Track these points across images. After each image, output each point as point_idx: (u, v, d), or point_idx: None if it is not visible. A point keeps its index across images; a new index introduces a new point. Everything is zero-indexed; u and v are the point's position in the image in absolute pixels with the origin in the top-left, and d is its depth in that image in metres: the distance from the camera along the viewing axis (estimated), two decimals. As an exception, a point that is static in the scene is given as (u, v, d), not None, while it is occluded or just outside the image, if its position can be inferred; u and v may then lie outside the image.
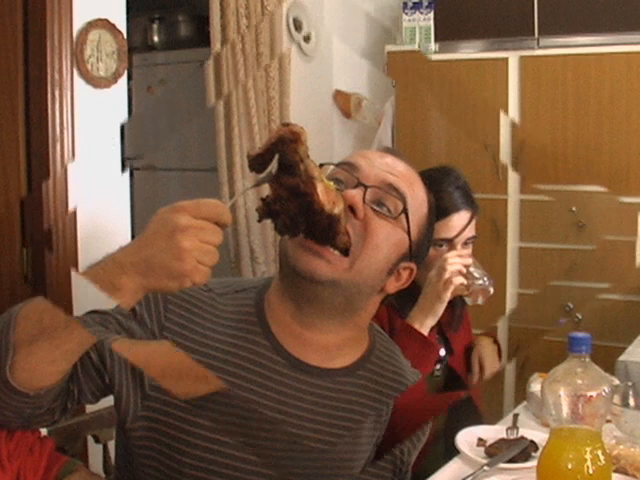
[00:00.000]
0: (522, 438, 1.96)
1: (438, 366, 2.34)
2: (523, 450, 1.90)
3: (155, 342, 1.37)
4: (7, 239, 2.92)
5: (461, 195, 2.18)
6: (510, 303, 4.14)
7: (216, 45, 3.61)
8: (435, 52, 4.26)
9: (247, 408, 1.50)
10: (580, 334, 1.33)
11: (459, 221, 2.17)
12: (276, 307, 1.56)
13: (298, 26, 4.39)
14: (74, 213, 2.98)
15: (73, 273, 2.93)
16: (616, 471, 1.74)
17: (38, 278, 2.94)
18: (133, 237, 4.21)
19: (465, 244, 2.21)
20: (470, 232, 2.21)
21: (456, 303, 2.34)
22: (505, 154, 4.07)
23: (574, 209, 3.93)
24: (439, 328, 2.32)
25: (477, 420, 2.18)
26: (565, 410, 1.33)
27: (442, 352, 2.34)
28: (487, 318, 4.07)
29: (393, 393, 1.69)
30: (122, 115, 3.22)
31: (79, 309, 2.89)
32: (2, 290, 2.91)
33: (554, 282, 4.01)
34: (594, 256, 3.92)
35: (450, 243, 2.16)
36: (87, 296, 3.15)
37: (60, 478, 1.51)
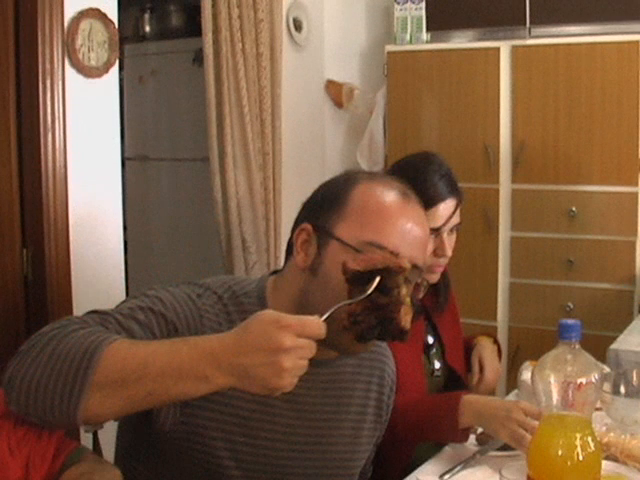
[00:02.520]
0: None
1: (438, 365, 2.35)
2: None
3: (156, 342, 1.38)
4: (7, 239, 2.91)
5: (446, 184, 2.18)
6: (502, 292, 4.16)
7: (207, 35, 3.60)
8: (427, 42, 4.26)
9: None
10: (570, 321, 1.33)
11: (445, 210, 2.17)
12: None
13: (298, 26, 4.38)
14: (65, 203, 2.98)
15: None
16: (607, 458, 1.75)
17: (38, 278, 2.94)
18: (125, 227, 4.18)
19: (451, 231, 2.22)
20: (456, 219, 2.21)
21: (440, 287, 2.35)
22: (495, 140, 4.08)
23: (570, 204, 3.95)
24: (426, 313, 2.33)
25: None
26: (555, 397, 1.33)
27: (430, 340, 2.35)
28: (480, 307, 4.11)
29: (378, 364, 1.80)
30: (114, 105, 3.21)
31: (79, 309, 2.92)
32: (2, 290, 2.90)
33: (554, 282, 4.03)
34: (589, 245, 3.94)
35: (437, 232, 2.16)
36: (87, 296, 3.17)
37: (68, 465, 1.52)
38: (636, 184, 3.83)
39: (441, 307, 2.38)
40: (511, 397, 2.35)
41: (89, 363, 1.28)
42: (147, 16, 5.31)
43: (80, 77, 3.02)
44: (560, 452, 1.32)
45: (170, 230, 5.01)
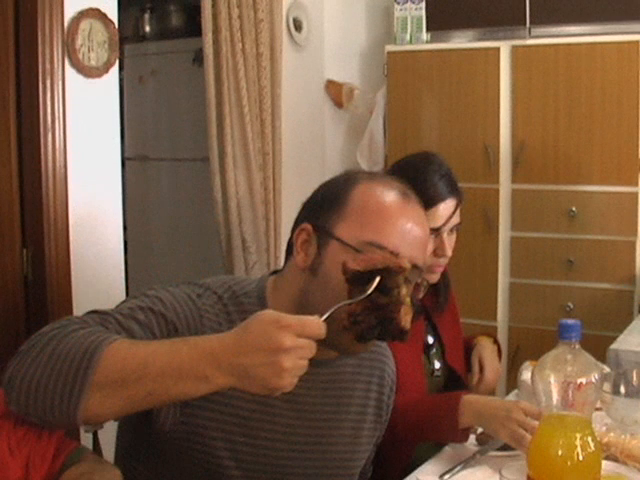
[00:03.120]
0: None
1: (438, 365, 2.35)
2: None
3: (156, 342, 1.38)
4: (7, 239, 2.91)
5: (446, 184, 2.18)
6: (502, 292, 4.15)
7: (207, 35, 3.60)
8: (427, 42, 4.26)
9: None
10: (570, 321, 1.33)
11: (445, 210, 2.17)
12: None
13: (298, 26, 4.38)
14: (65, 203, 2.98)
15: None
16: (607, 458, 1.75)
17: (38, 278, 2.93)
18: (125, 227, 4.18)
19: (451, 231, 2.22)
20: (456, 219, 2.21)
21: (440, 287, 2.35)
22: (495, 140, 4.08)
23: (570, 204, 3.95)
24: (426, 313, 2.33)
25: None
26: (555, 397, 1.33)
27: (430, 340, 2.35)
28: (480, 307, 4.10)
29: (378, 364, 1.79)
30: (114, 105, 3.21)
31: (79, 309, 2.92)
32: (2, 290, 2.90)
33: (554, 282, 4.03)
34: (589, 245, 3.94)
35: (437, 232, 2.16)
36: (87, 296, 3.17)
37: (68, 465, 1.52)
38: (636, 184, 3.82)
39: (441, 307, 2.38)
40: (511, 397, 2.35)
41: (89, 363, 1.28)
42: (147, 16, 5.30)
43: (80, 77, 3.02)
44: (560, 452, 1.32)
45: (170, 230, 5.01)
